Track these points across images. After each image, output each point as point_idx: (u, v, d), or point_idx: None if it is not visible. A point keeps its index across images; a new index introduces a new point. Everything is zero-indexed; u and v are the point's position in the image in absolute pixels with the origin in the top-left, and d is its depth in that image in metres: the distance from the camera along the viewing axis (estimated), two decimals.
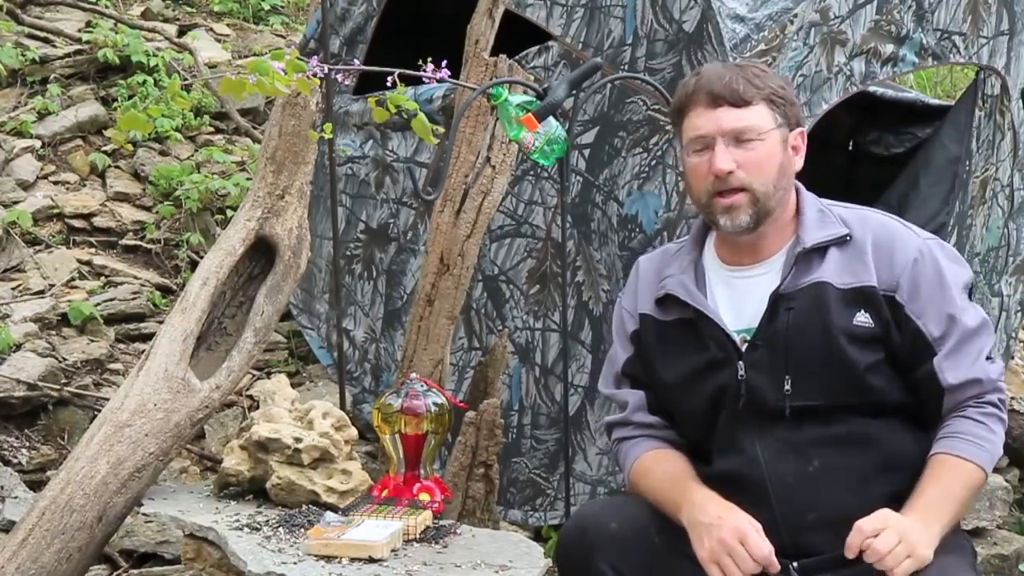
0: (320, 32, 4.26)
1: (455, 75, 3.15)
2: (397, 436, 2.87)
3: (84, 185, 5.16)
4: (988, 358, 2.46)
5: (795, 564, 2.38)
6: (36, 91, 5.49)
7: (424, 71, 2.93)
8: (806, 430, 2.43)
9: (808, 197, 2.54)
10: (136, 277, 4.77)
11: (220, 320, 2.99)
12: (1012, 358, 4.72)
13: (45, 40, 5.79)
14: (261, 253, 3.01)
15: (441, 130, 3.23)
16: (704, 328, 2.49)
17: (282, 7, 6.82)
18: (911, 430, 2.47)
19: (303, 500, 2.87)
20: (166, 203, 5.04)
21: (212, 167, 5.18)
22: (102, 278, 4.74)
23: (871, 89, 4.38)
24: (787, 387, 2.42)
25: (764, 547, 2.32)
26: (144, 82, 5.48)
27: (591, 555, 2.42)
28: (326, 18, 4.21)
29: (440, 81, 2.98)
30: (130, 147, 5.27)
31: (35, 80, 5.55)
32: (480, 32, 3.32)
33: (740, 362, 2.45)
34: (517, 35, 3.75)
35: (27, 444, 4.06)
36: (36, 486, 3.79)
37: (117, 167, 5.26)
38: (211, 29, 6.34)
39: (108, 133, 5.36)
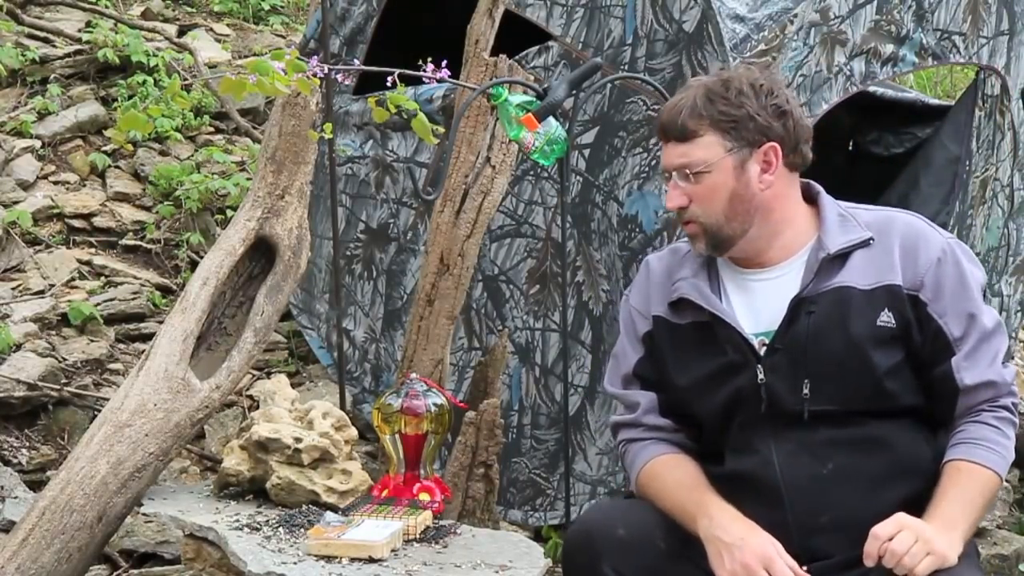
0: (320, 32, 4.26)
1: (455, 75, 3.15)
2: (397, 436, 2.87)
3: (84, 185, 5.16)
4: (1003, 361, 2.45)
5: (807, 568, 2.35)
6: (36, 91, 5.48)
7: (424, 71, 2.93)
8: (821, 432, 2.41)
9: (827, 201, 2.52)
10: (136, 277, 4.77)
11: (220, 320, 2.99)
12: (1012, 358, 4.72)
13: (45, 40, 5.78)
14: (261, 253, 3.00)
15: (441, 130, 3.23)
16: (720, 331, 2.46)
17: (282, 7, 6.80)
18: (922, 432, 2.46)
19: (303, 500, 2.87)
20: (166, 203, 5.04)
21: (212, 167, 5.17)
22: (102, 278, 4.74)
23: (871, 89, 4.37)
24: (806, 391, 2.41)
25: (788, 574, 2.31)
26: (144, 82, 5.47)
27: (597, 561, 2.40)
28: (326, 18, 4.20)
29: (440, 81, 2.97)
30: (130, 147, 5.27)
31: (35, 80, 5.54)
32: (480, 32, 3.32)
33: (759, 366, 2.43)
34: (517, 35, 3.75)
35: (27, 444, 4.06)
36: (36, 486, 3.78)
37: (117, 167, 5.26)
38: (211, 29, 6.33)
39: (108, 133, 5.36)
